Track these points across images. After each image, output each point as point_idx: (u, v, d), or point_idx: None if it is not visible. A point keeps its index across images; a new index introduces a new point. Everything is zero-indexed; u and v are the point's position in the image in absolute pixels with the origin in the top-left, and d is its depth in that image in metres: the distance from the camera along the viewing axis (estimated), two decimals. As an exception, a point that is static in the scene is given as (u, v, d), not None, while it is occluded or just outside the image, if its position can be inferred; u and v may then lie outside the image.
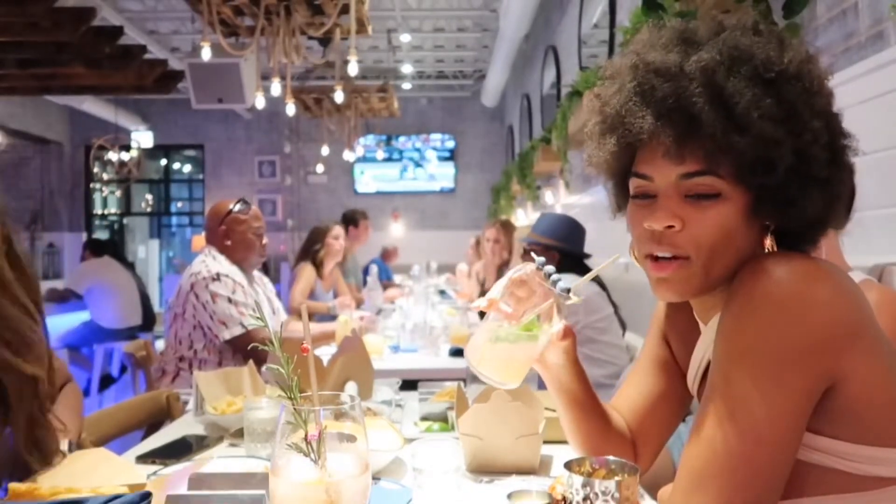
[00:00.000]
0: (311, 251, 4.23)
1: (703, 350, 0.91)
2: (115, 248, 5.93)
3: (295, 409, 0.75)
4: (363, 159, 10.40)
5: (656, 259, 0.84)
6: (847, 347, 0.73)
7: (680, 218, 0.81)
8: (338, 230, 4.33)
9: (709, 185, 0.79)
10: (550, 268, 0.99)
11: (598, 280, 2.68)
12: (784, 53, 0.79)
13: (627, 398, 1.11)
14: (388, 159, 10.59)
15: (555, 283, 0.98)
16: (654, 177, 0.83)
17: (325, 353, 2.26)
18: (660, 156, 0.81)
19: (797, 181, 0.77)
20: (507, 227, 4.25)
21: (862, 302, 0.77)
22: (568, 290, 0.97)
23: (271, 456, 0.79)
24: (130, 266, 5.80)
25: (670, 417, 1.09)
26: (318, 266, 4.23)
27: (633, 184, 0.87)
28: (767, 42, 0.80)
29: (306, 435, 0.75)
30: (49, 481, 1.04)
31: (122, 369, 5.18)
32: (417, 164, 10.89)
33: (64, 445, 1.20)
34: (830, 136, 0.79)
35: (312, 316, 3.83)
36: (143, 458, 1.36)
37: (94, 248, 5.61)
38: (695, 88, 0.77)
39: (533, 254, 1.07)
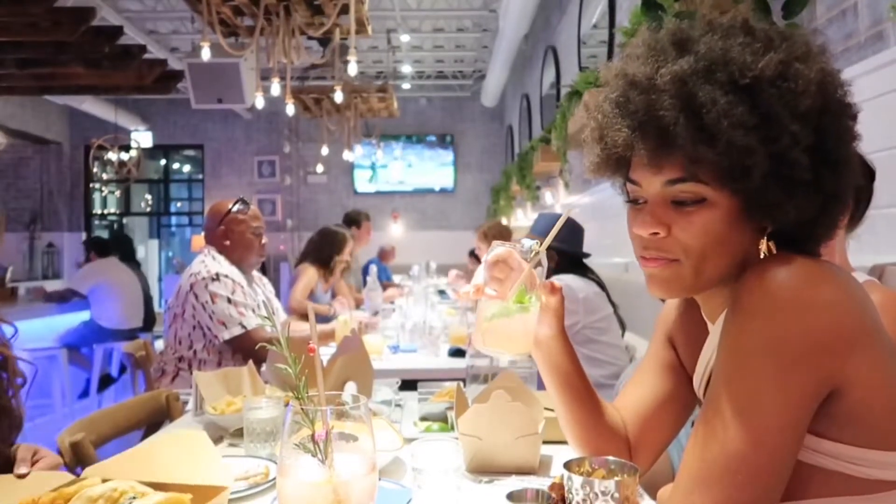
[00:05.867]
0: (326, 257, 4.26)
1: (711, 351, 0.91)
2: (122, 246, 5.90)
3: (302, 408, 0.75)
4: (363, 166, 10.49)
5: (645, 257, 0.86)
6: (850, 351, 0.73)
7: (665, 224, 0.82)
8: (351, 244, 4.42)
9: (692, 191, 0.80)
10: (524, 239, 1.04)
11: (597, 280, 2.68)
12: (765, 55, 0.76)
13: (630, 400, 1.11)
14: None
15: (522, 246, 1.03)
16: (641, 184, 0.84)
17: (325, 353, 2.26)
18: (643, 164, 0.83)
19: (779, 185, 0.76)
20: (487, 235, 4.37)
21: (867, 305, 0.76)
22: (531, 248, 1.02)
23: (278, 456, 0.79)
24: (137, 266, 5.79)
25: (673, 420, 1.08)
26: (328, 272, 4.26)
27: (628, 188, 0.88)
28: (751, 43, 0.78)
29: (313, 434, 0.75)
30: (129, 464, 1.03)
31: (122, 369, 5.17)
32: (417, 165, 10.89)
33: None
34: (820, 136, 0.76)
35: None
36: (143, 458, 1.36)
37: (98, 249, 5.61)
38: (665, 101, 0.77)
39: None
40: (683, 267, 0.82)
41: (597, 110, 0.86)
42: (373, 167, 10.73)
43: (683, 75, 0.77)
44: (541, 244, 1.03)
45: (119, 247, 5.78)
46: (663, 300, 1.11)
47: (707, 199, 0.80)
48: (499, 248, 1.03)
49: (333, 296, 4.31)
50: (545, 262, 1.03)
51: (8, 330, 1.30)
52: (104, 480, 0.96)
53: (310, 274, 4.16)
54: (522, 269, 1.01)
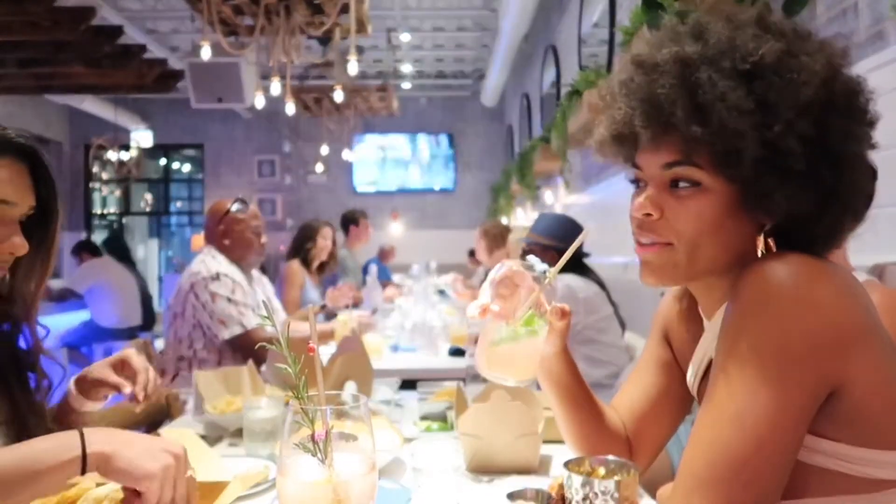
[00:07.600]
0: (303, 249, 4.18)
1: (705, 348, 0.91)
2: (116, 246, 5.92)
3: (302, 408, 0.75)
4: (363, 166, 10.51)
5: (641, 242, 0.86)
6: (850, 349, 0.73)
7: (659, 207, 0.83)
8: (330, 232, 4.31)
9: (688, 174, 0.81)
10: (531, 258, 1.03)
11: (597, 280, 2.68)
12: (767, 44, 0.76)
13: (627, 398, 1.11)
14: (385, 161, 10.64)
15: (533, 268, 1.01)
16: (642, 166, 0.86)
17: (324, 352, 2.26)
18: (644, 146, 0.84)
19: (771, 173, 0.76)
20: (487, 233, 4.43)
21: (866, 304, 0.76)
22: (544, 272, 1.01)
23: (278, 456, 0.79)
24: (133, 265, 5.80)
25: (670, 418, 1.09)
26: (308, 264, 4.21)
27: (632, 172, 0.89)
28: (761, 34, 0.78)
29: (313, 434, 0.75)
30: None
31: (122, 369, 5.16)
32: (417, 164, 10.89)
33: None
34: (822, 131, 0.75)
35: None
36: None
37: (89, 249, 5.63)
38: (665, 80, 0.79)
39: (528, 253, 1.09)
40: (677, 252, 0.83)
41: (606, 90, 0.89)
42: (383, 160, 10.71)
43: (686, 57, 0.79)
44: (553, 265, 1.01)
45: (114, 247, 5.79)
46: (658, 291, 1.11)
47: (702, 185, 0.80)
48: (505, 267, 1.01)
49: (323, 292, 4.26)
50: (557, 286, 1.02)
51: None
52: (98, 484, 0.95)
53: (293, 269, 4.12)
54: (528, 288, 0.99)
